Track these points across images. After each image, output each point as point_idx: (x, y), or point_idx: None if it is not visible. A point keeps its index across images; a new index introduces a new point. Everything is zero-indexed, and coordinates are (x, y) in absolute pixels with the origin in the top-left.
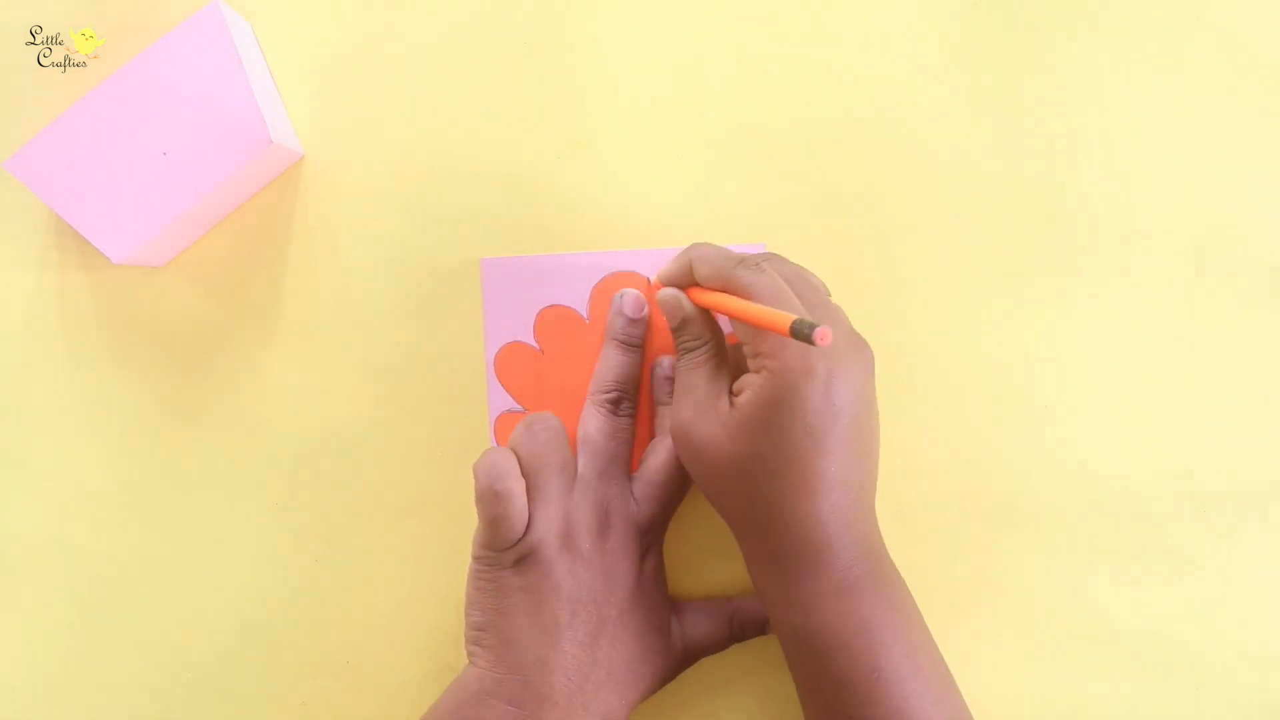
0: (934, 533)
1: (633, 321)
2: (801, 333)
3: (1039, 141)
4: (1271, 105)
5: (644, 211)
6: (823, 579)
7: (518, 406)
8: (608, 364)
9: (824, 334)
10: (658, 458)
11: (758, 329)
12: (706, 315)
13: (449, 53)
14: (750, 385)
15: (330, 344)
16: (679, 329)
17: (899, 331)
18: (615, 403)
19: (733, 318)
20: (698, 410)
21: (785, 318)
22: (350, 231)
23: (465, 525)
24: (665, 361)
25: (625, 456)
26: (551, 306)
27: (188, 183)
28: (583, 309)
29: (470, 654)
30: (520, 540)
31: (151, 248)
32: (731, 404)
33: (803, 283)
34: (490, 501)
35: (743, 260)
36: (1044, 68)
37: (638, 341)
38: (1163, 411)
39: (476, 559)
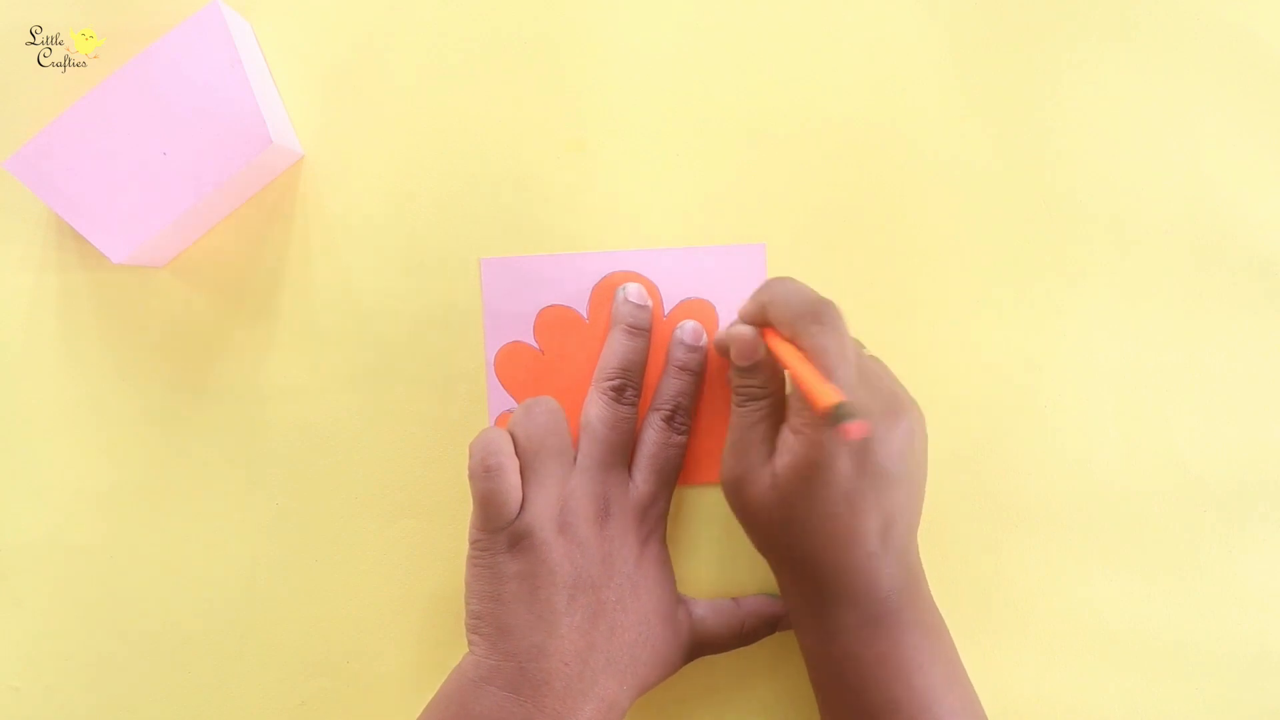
0: (935, 532)
1: (639, 307)
2: (837, 417)
3: (1039, 142)
4: (1271, 105)
5: (644, 211)
6: (852, 614)
7: (518, 406)
8: (612, 349)
9: (858, 429)
10: (649, 433)
11: (802, 395)
12: (776, 365)
13: (449, 53)
14: (788, 450)
15: (330, 344)
16: (747, 371)
17: (899, 332)
18: (619, 390)
19: (784, 367)
20: (748, 468)
21: (831, 395)
22: (350, 231)
23: (464, 525)
24: (688, 325)
25: (626, 446)
26: (551, 306)
27: (188, 183)
28: (583, 309)
29: (469, 641)
30: (514, 521)
31: (151, 248)
32: (773, 465)
33: (854, 348)
34: (481, 477)
35: (819, 315)
36: (1044, 69)
37: (644, 325)
38: (1163, 411)
39: (473, 543)
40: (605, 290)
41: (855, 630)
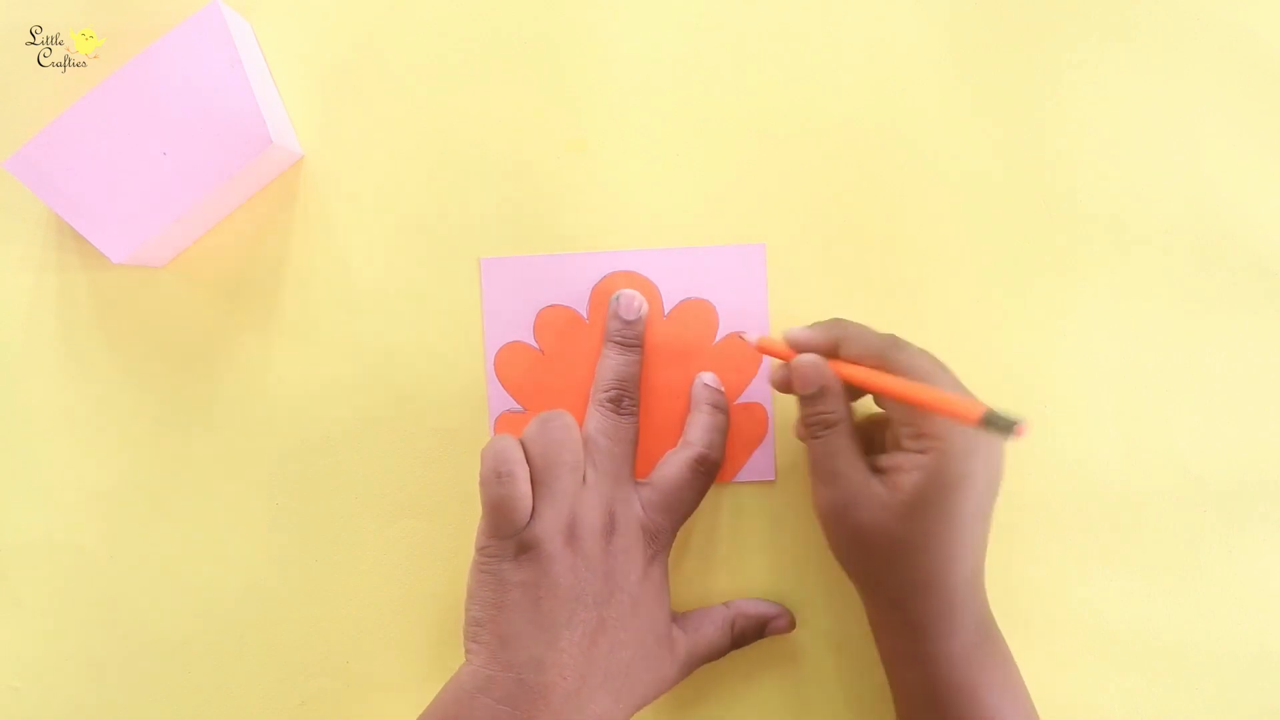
0: None
1: (629, 323)
2: (997, 425)
3: (1039, 141)
4: (1271, 105)
5: (644, 211)
6: (952, 641)
7: (518, 406)
8: (606, 364)
9: (1024, 428)
10: (671, 468)
11: (914, 415)
12: (844, 392)
13: (449, 53)
14: (916, 466)
15: (330, 344)
16: (814, 398)
17: (899, 332)
18: (616, 401)
19: (900, 399)
20: (852, 493)
21: (976, 406)
22: (350, 231)
23: (465, 525)
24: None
25: (629, 457)
26: (551, 306)
27: (188, 183)
28: (583, 309)
29: (467, 650)
30: (523, 530)
31: (151, 248)
32: (885, 485)
33: (940, 367)
34: (492, 484)
35: (898, 343)
36: (1044, 69)
37: (635, 341)
38: (1163, 411)
39: (479, 550)
40: (605, 290)
41: (957, 660)
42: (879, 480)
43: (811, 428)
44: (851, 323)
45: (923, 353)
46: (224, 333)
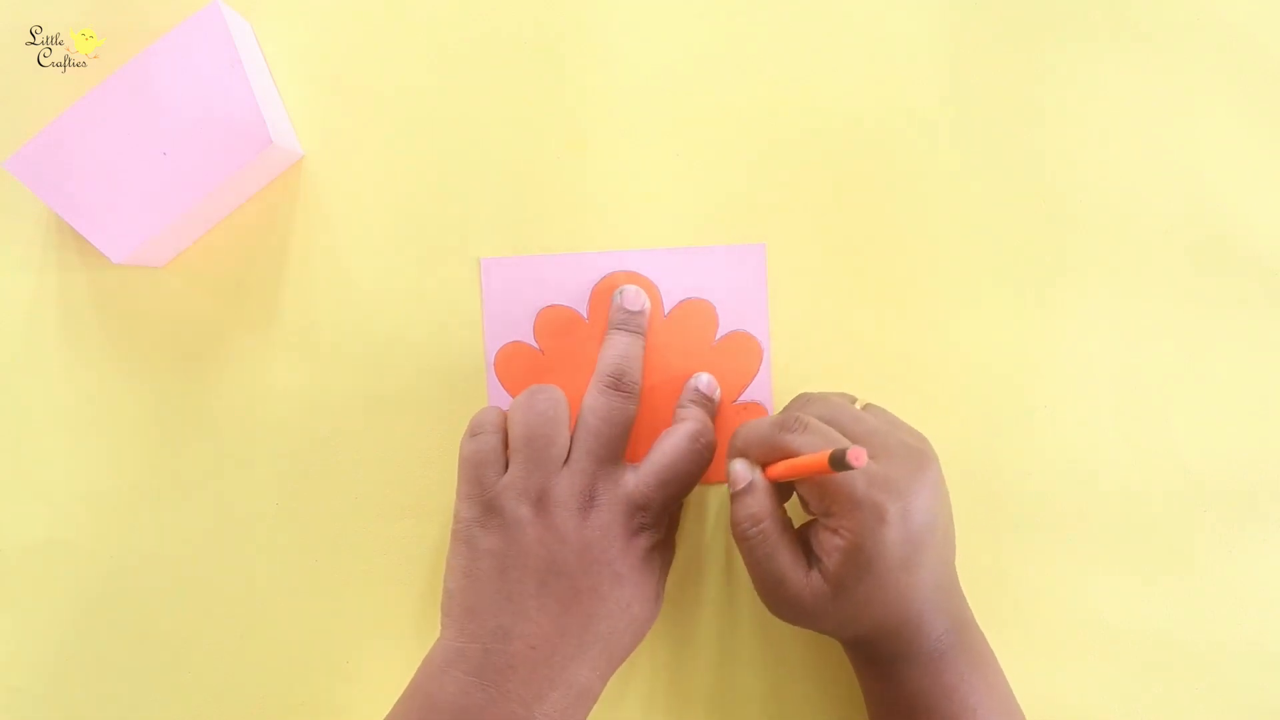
0: None
1: (632, 313)
2: (840, 463)
3: (1039, 142)
4: (1271, 105)
5: (644, 211)
6: (913, 655)
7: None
8: (608, 346)
9: (857, 454)
10: (669, 441)
11: (824, 496)
12: (771, 489)
13: (449, 53)
14: (835, 549)
15: (330, 344)
16: (741, 494)
17: (899, 332)
18: (616, 377)
19: (793, 478)
20: (794, 595)
21: (822, 457)
22: (350, 231)
23: None
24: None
25: (620, 440)
26: (551, 306)
27: (188, 183)
28: (583, 309)
29: (441, 625)
30: (493, 488)
31: (151, 248)
32: (819, 573)
33: (846, 415)
34: (466, 441)
35: (784, 424)
36: (1044, 69)
37: (638, 329)
38: (1163, 411)
39: (454, 518)
40: (605, 290)
41: (918, 669)
42: (815, 571)
43: (740, 524)
44: (747, 424)
45: (812, 423)
46: (224, 333)
